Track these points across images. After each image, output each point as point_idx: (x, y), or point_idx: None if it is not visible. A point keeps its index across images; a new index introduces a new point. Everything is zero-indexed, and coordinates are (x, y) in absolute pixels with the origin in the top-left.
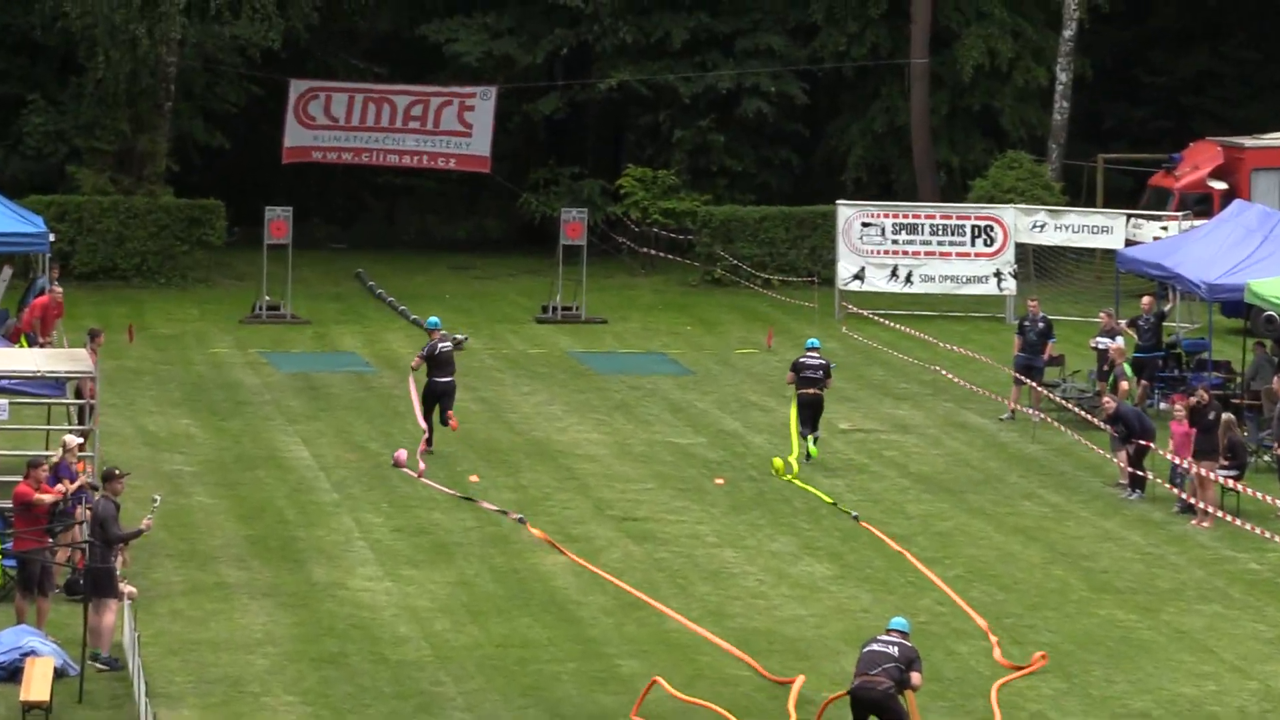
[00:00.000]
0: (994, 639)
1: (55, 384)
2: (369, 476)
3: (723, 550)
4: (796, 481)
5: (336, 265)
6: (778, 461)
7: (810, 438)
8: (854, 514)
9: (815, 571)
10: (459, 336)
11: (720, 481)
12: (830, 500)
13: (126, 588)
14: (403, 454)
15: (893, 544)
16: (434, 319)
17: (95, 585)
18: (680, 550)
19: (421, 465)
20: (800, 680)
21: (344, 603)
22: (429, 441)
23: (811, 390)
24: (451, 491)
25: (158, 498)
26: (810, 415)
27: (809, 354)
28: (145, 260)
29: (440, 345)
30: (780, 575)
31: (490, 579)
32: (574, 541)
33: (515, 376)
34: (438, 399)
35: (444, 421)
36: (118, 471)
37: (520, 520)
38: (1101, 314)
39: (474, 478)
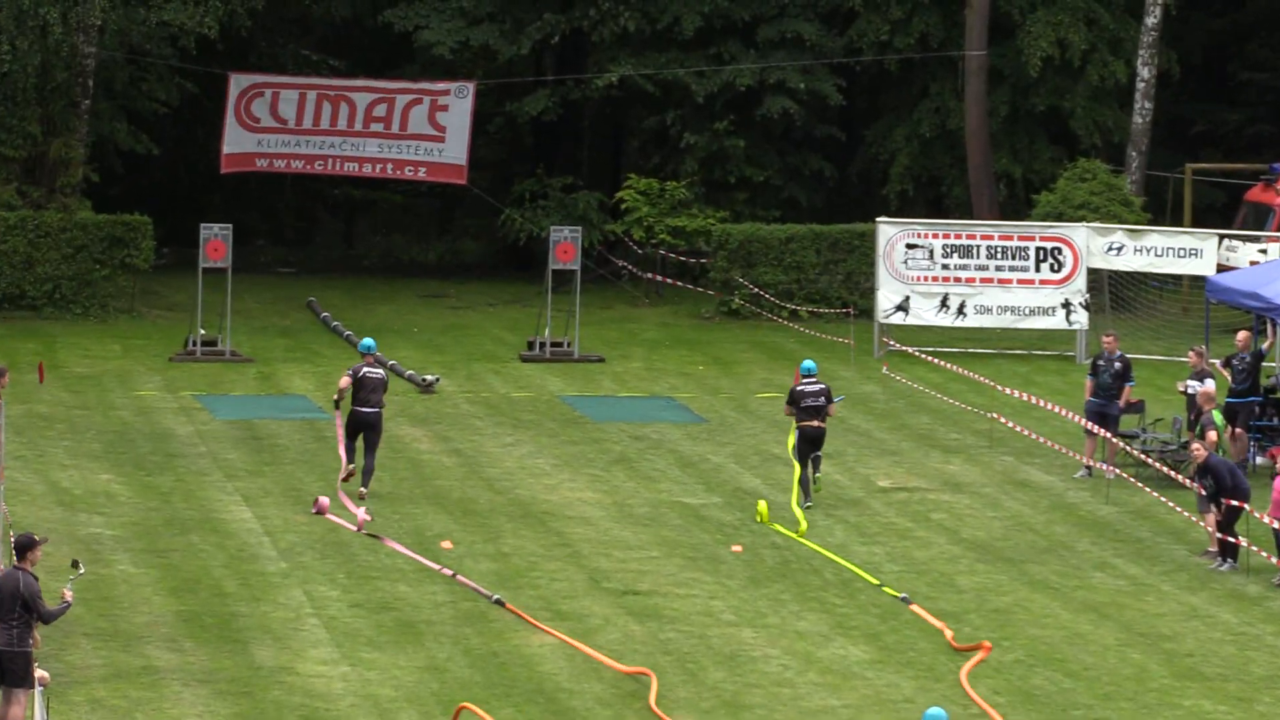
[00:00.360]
0: (949, 632)
1: None
2: (322, 542)
3: (740, 630)
4: (821, 549)
5: (284, 293)
6: (762, 506)
7: (815, 478)
8: (903, 596)
9: (849, 655)
10: (429, 377)
11: (738, 549)
12: (876, 581)
13: (37, 672)
14: (325, 500)
15: (936, 620)
16: (368, 341)
17: (8, 672)
18: (690, 630)
19: (362, 514)
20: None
21: (293, 690)
22: (349, 474)
23: (815, 422)
24: (415, 555)
25: (81, 564)
26: (814, 451)
27: (807, 380)
28: (58, 287)
29: (365, 369)
30: (808, 659)
31: (465, 663)
32: (564, 619)
33: (496, 425)
34: (360, 430)
35: (365, 466)
36: (37, 538)
37: (498, 602)
38: (1190, 353)
39: (446, 544)
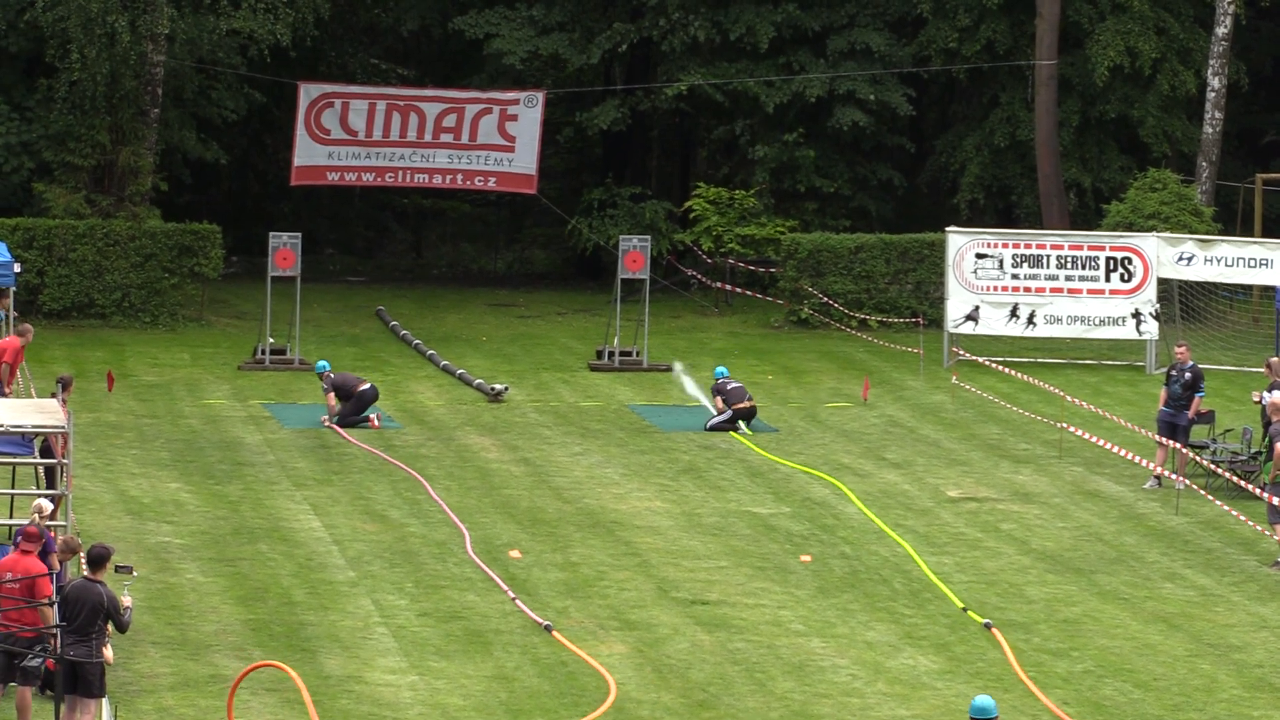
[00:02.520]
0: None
1: (21, 440)
2: (390, 552)
3: (809, 640)
4: (923, 564)
5: (353, 302)
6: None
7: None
8: (986, 621)
9: (918, 665)
10: (498, 386)
11: (806, 559)
12: (961, 605)
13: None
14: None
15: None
16: (322, 363)
17: (81, 681)
18: (759, 640)
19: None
20: None
21: (362, 699)
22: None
23: (749, 402)
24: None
25: (133, 569)
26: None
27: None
28: (127, 295)
29: (336, 377)
30: (877, 669)
31: (534, 673)
32: (633, 629)
33: (565, 434)
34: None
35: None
36: (110, 549)
37: (547, 628)
38: (1272, 360)
39: (515, 553)
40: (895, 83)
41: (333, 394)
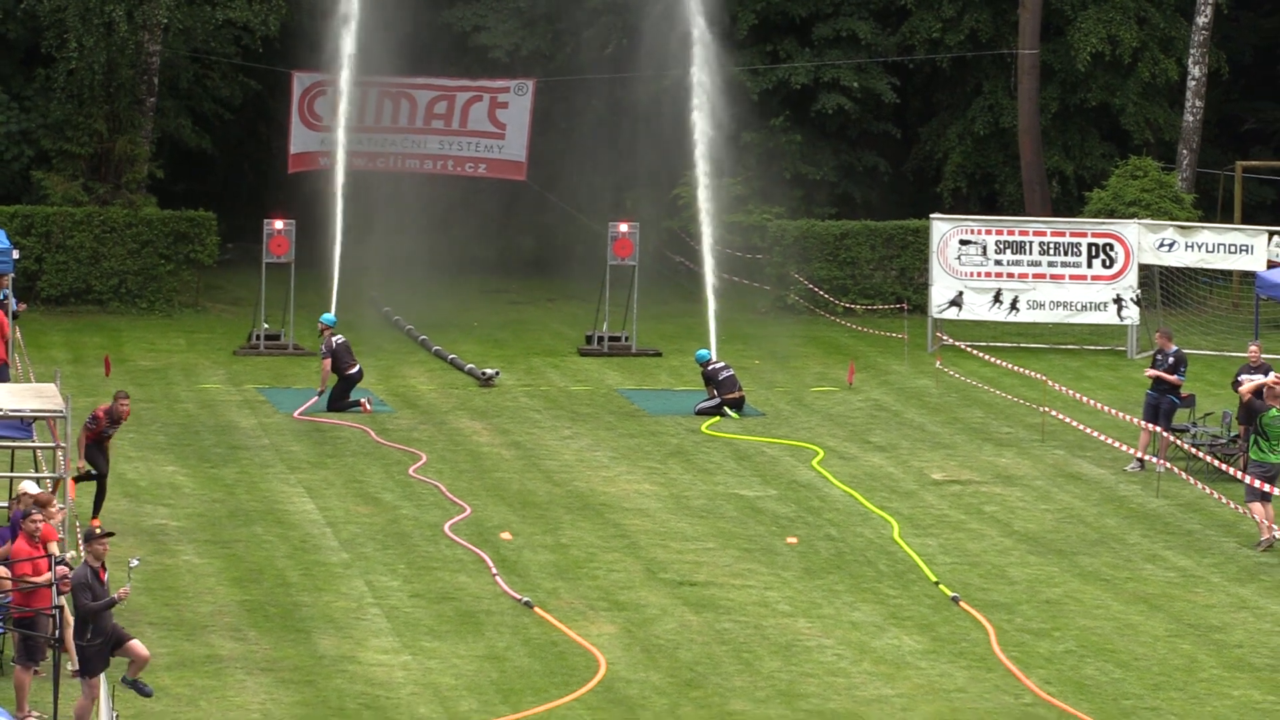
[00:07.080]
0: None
1: (20, 424)
2: (383, 534)
3: (795, 620)
4: (900, 542)
5: (346, 288)
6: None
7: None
8: (954, 595)
9: (903, 645)
10: (489, 371)
11: (793, 540)
12: (934, 579)
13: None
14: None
15: (985, 619)
16: (328, 315)
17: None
18: (746, 620)
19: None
20: None
21: (355, 679)
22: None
23: (739, 393)
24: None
25: (135, 561)
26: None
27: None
28: (124, 281)
29: (337, 339)
30: (862, 649)
31: (525, 652)
32: (622, 609)
33: (555, 418)
34: (354, 385)
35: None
36: (98, 531)
37: (526, 604)
38: (1252, 346)
39: (506, 535)
40: (880, 71)
41: (329, 360)
